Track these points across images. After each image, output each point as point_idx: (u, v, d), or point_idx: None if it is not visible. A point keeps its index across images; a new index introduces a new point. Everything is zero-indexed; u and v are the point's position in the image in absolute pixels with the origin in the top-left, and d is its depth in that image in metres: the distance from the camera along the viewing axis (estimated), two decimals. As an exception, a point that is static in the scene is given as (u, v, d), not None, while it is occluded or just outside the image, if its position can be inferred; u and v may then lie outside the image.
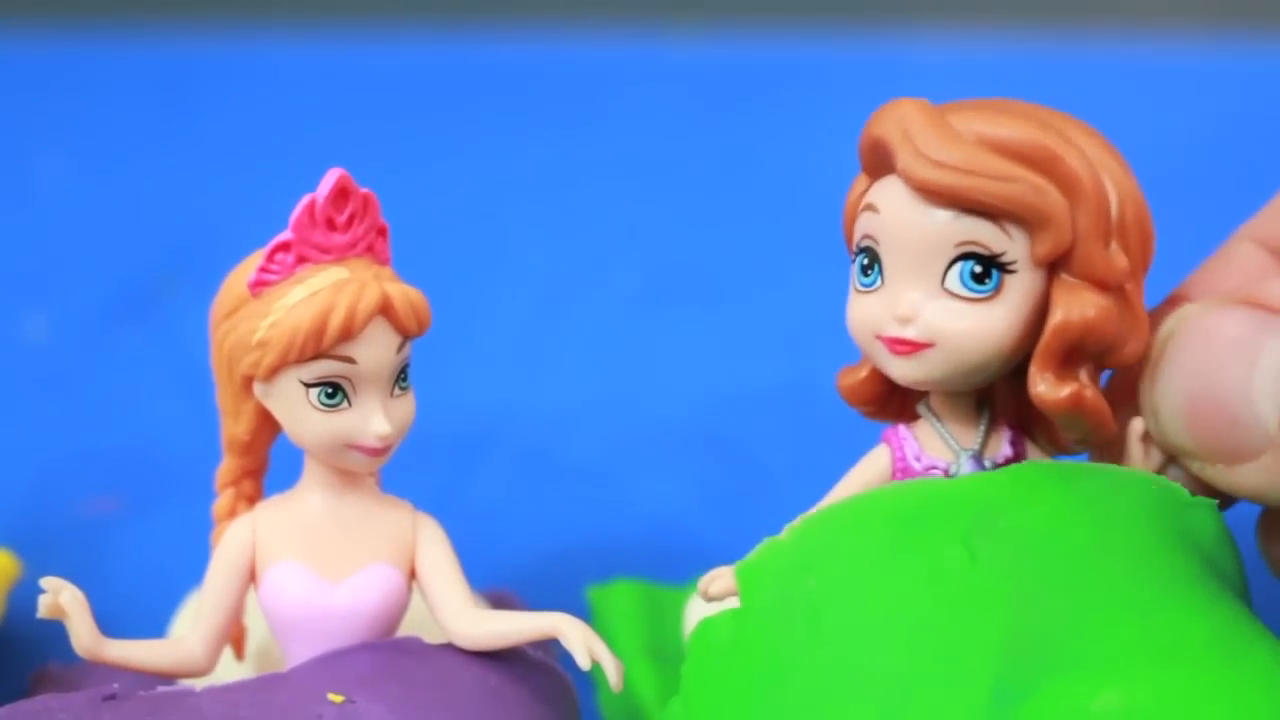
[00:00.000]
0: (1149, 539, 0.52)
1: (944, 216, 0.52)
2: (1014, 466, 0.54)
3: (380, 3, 1.39)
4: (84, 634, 0.54)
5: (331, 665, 0.54)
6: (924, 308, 0.52)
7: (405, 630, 0.58)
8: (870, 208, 0.53)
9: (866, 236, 0.54)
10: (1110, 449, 0.56)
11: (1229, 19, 1.33)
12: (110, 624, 0.56)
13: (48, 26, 1.35)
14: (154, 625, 0.66)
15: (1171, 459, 0.56)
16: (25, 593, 0.66)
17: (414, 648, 0.55)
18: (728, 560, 0.55)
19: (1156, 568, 0.51)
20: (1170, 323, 0.55)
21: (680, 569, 0.74)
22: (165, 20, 1.36)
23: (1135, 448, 0.56)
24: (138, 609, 0.68)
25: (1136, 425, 0.56)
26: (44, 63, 1.31)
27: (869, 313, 0.54)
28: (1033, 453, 0.56)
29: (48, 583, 0.54)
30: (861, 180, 0.55)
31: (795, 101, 1.23)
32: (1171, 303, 0.59)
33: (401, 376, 0.56)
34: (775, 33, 1.33)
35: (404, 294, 0.55)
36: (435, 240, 1.02)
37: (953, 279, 0.52)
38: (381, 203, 0.56)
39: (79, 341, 0.94)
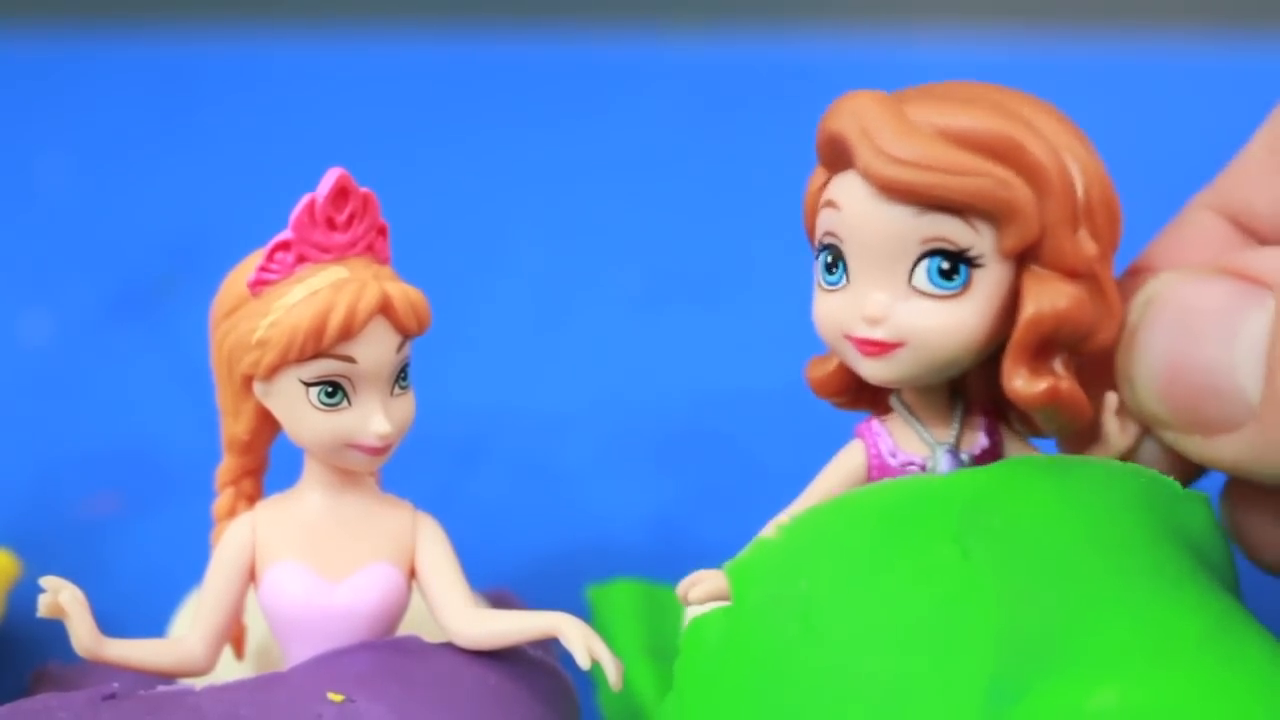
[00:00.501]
0: (1140, 534, 0.52)
1: (907, 213, 0.51)
2: (1004, 462, 0.53)
3: (380, 3, 1.39)
4: (84, 633, 0.54)
5: (331, 664, 0.54)
6: (892, 308, 0.52)
7: (405, 630, 0.58)
8: (831, 204, 0.52)
9: (829, 234, 0.53)
10: (1086, 432, 0.56)
11: (1229, 19, 1.33)
12: (110, 623, 0.56)
13: (48, 26, 1.35)
14: (154, 625, 0.66)
15: (1146, 433, 0.56)
16: (25, 592, 0.66)
17: (414, 647, 0.55)
18: (727, 560, 0.55)
19: (1148, 563, 0.51)
20: (1147, 290, 0.54)
21: (679, 569, 0.74)
22: (165, 20, 1.36)
23: (1110, 422, 0.56)
24: (137, 608, 0.68)
25: (1111, 400, 0.56)
26: (44, 63, 1.31)
27: (836, 312, 0.53)
28: (1010, 441, 0.56)
29: (47, 582, 0.54)
30: (820, 172, 0.54)
31: (795, 101, 1.23)
32: (1132, 274, 0.58)
33: (401, 376, 0.56)
34: (775, 33, 1.33)
35: (404, 293, 0.55)
36: (435, 240, 1.02)
37: (920, 276, 0.51)
38: (381, 202, 0.56)
39: (79, 341, 0.94)
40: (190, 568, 0.63)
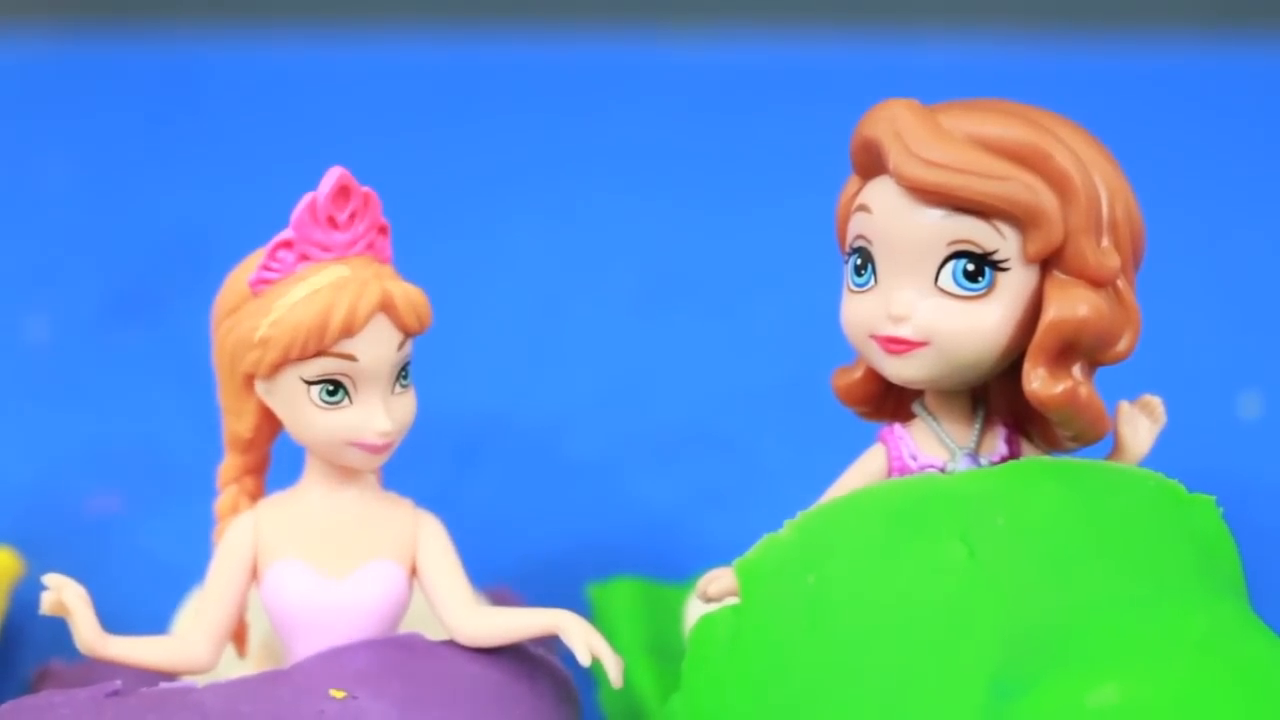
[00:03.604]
0: (1147, 535, 0.52)
1: (936, 215, 0.52)
2: (1013, 463, 0.54)
3: (380, 3, 1.40)
4: (87, 631, 0.54)
5: (333, 661, 0.55)
6: (918, 306, 0.53)
7: (406, 627, 0.58)
8: (863, 208, 0.54)
9: (859, 237, 0.54)
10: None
11: (1229, 19, 1.33)
12: (113, 622, 0.56)
13: (48, 26, 1.35)
14: (156, 623, 0.66)
15: None
16: (28, 590, 0.66)
17: (416, 644, 0.56)
18: (727, 558, 0.55)
19: (1154, 564, 0.51)
20: None
21: (680, 567, 0.75)
22: (166, 20, 1.36)
23: (1125, 428, 0.57)
24: (140, 606, 0.68)
25: (1124, 407, 0.57)
26: (44, 63, 1.31)
27: (863, 312, 0.54)
28: (1028, 451, 0.57)
29: (50, 580, 0.54)
30: (853, 181, 0.56)
31: (795, 102, 1.23)
32: None
33: (402, 374, 0.56)
34: (775, 33, 1.33)
35: (405, 292, 0.55)
36: (435, 240, 1.02)
37: (946, 277, 0.52)
38: (381, 202, 0.56)
39: (81, 340, 0.94)
40: (193, 566, 0.63)
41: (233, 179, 1.13)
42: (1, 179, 1.15)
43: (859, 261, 0.54)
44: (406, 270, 0.57)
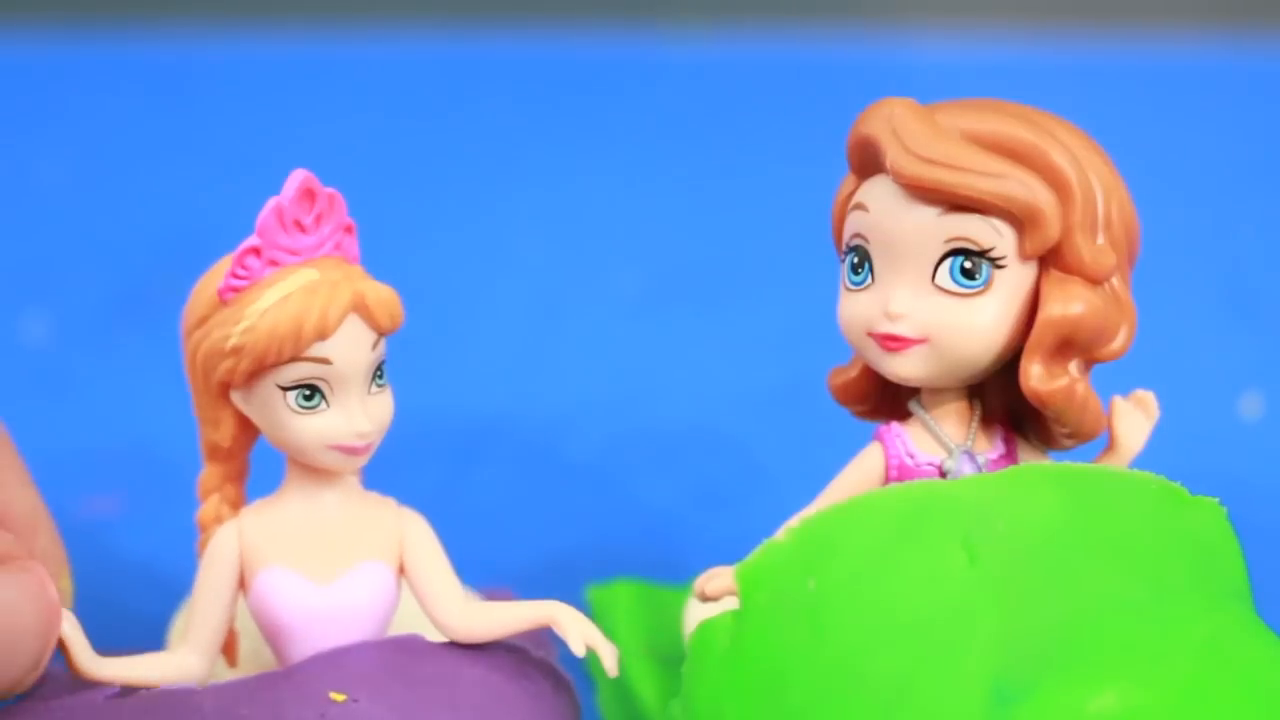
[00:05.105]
0: (1148, 540, 0.52)
1: (933, 213, 0.52)
2: (1013, 469, 0.54)
3: (380, 3, 1.40)
4: (81, 657, 0.54)
5: (333, 663, 0.54)
6: (915, 304, 0.53)
7: (397, 629, 0.58)
8: (859, 206, 0.54)
9: (856, 235, 0.54)
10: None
11: (1229, 19, 1.33)
12: (109, 624, 0.56)
13: (48, 26, 1.35)
14: (153, 624, 0.66)
15: None
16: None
17: (416, 646, 0.55)
18: (727, 558, 0.55)
19: (1155, 569, 0.51)
20: None
21: (680, 569, 0.74)
22: (164, 20, 1.36)
23: (1121, 424, 0.57)
24: (137, 609, 0.68)
25: (1118, 403, 0.57)
26: (44, 63, 1.31)
27: (860, 310, 0.54)
28: (1024, 449, 0.57)
29: None
30: (850, 180, 0.56)
31: (795, 101, 1.24)
32: None
33: (378, 374, 0.55)
34: (775, 33, 1.33)
35: (375, 291, 0.54)
36: (436, 240, 1.02)
37: (943, 275, 0.53)
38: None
39: (79, 341, 0.94)
40: (190, 568, 0.63)
41: (231, 178, 1.13)
42: (1, 178, 1.15)
43: (855, 260, 0.54)
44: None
